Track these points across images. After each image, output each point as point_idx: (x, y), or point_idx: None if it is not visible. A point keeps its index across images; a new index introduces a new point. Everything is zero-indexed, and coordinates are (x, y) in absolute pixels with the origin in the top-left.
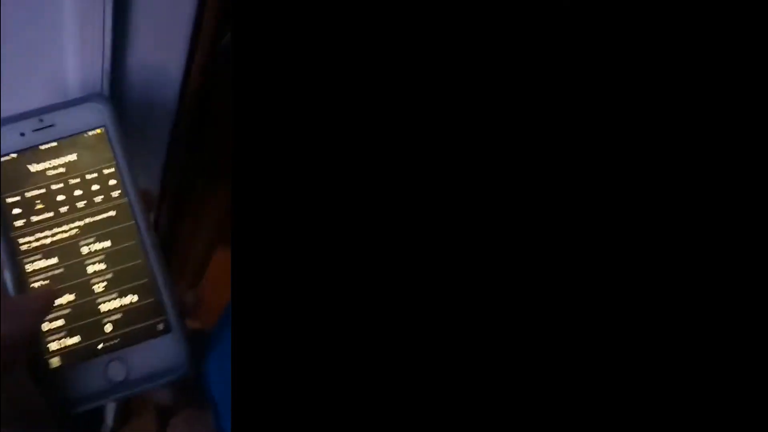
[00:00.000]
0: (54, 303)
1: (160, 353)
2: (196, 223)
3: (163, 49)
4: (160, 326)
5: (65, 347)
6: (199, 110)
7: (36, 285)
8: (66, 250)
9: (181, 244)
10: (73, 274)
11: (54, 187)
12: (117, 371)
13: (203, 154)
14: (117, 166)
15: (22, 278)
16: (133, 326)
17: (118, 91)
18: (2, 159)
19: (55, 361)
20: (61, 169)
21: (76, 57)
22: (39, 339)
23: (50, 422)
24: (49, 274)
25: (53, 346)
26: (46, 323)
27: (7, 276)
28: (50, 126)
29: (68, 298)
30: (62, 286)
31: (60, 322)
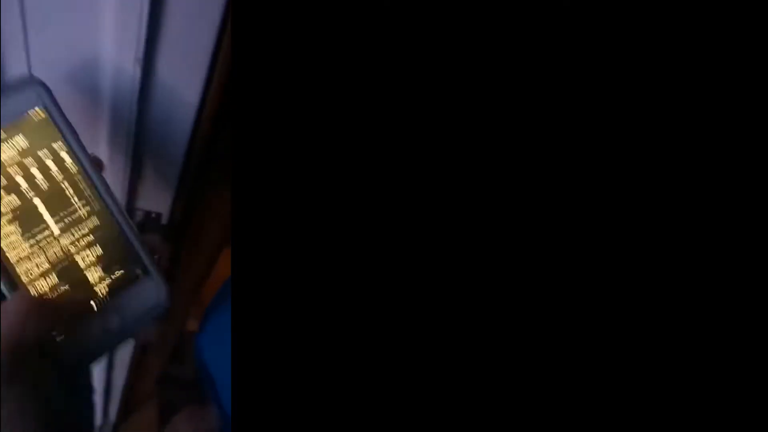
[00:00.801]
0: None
1: (144, 294)
2: (208, 220)
3: (191, 43)
4: (138, 271)
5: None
6: (220, 106)
7: (22, 271)
8: (37, 226)
9: (192, 241)
10: (53, 250)
11: (14, 172)
12: (112, 321)
13: (221, 153)
14: (64, 140)
15: (9, 268)
16: (117, 277)
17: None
18: None
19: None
20: (13, 153)
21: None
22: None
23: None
24: (31, 257)
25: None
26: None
27: None
28: None
29: (54, 279)
30: (47, 264)
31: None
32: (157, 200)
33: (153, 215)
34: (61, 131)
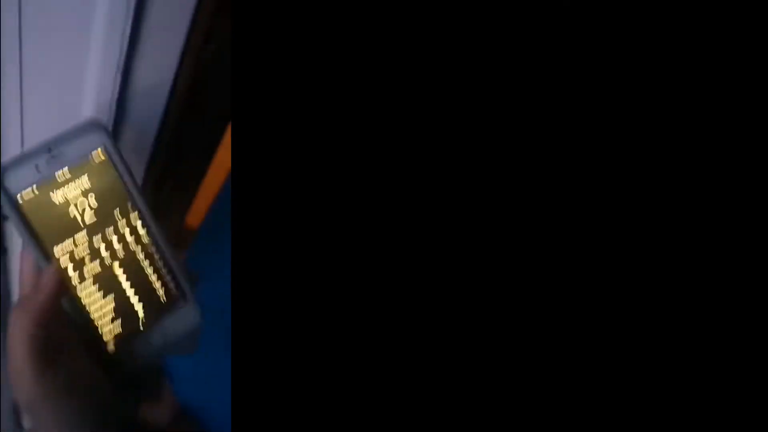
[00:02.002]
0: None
1: (183, 318)
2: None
3: (160, 67)
4: (180, 298)
5: (117, 334)
6: (180, 120)
7: (83, 295)
8: (97, 255)
9: None
10: (107, 278)
11: (77, 209)
12: (158, 338)
13: (177, 164)
14: (121, 178)
15: (74, 297)
16: (162, 302)
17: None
18: (24, 193)
19: (111, 345)
20: (77, 192)
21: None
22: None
23: (107, 392)
24: (88, 281)
25: (107, 336)
26: (98, 315)
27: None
28: (59, 155)
29: (110, 304)
30: (101, 289)
31: (108, 317)
32: None
33: None
34: (118, 172)
